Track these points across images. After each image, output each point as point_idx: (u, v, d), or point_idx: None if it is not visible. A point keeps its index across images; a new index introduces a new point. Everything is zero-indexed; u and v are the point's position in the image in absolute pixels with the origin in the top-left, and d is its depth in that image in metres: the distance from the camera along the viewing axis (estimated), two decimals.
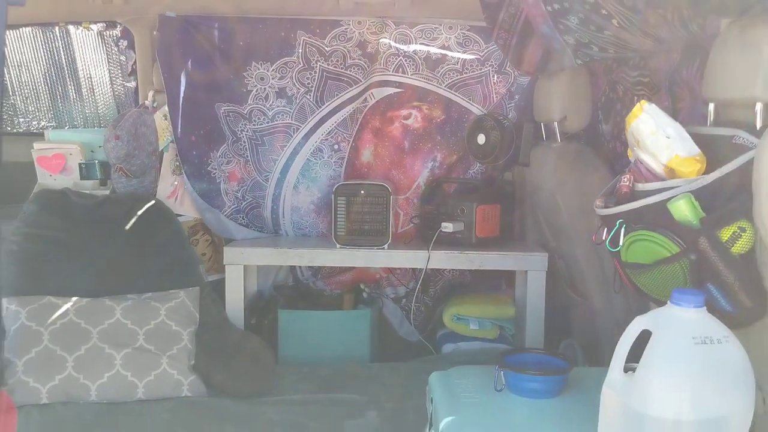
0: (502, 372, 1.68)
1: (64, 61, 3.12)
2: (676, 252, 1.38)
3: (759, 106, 1.41)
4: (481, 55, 3.00)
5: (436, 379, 1.81)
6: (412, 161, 3.12)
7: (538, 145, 2.76)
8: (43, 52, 3.08)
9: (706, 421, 1.21)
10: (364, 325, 3.01)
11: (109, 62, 3.14)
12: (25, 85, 3.12)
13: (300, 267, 3.23)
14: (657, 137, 1.41)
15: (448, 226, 2.84)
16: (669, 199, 1.37)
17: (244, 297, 2.92)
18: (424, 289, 3.22)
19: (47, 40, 3.05)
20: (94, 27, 3.06)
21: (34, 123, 3.26)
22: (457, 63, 3.03)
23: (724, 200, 1.34)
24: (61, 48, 3.10)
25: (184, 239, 2.89)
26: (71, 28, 3.07)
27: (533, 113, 2.81)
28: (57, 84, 3.14)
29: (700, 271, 1.35)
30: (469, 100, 3.05)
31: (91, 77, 3.16)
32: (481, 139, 2.87)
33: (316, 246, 2.97)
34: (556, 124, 2.58)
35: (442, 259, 2.88)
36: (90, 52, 3.12)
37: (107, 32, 3.09)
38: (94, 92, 3.18)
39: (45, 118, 3.26)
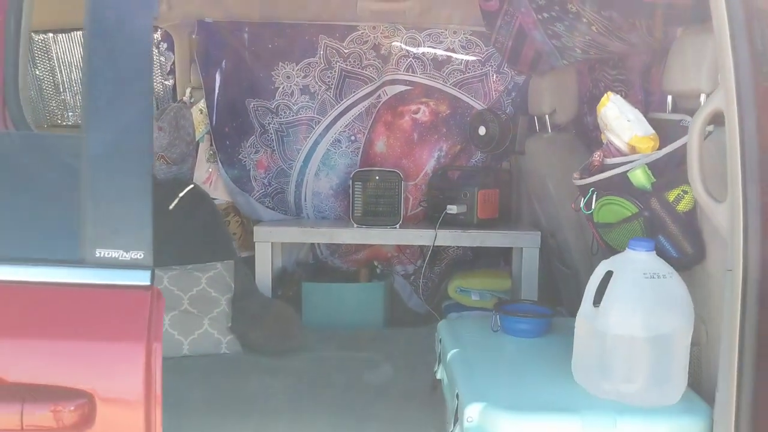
0: (498, 316, 2.05)
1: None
2: (635, 212, 1.74)
3: (703, 97, 1.77)
4: (482, 56, 3.37)
5: (443, 325, 2.18)
6: (420, 151, 3.48)
7: (532, 135, 3.11)
8: None
9: (654, 338, 1.58)
10: (377, 296, 3.36)
11: None
12: (75, 83, 3.47)
13: (319, 246, 3.59)
14: (620, 121, 1.78)
15: (452, 209, 3.19)
16: (629, 169, 1.74)
17: (271, 271, 3.28)
18: (430, 266, 3.57)
19: None
20: None
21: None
22: (461, 63, 3.40)
23: (671, 169, 1.70)
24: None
25: (220, 219, 3.25)
26: None
27: (528, 107, 3.17)
28: None
29: (653, 225, 1.71)
30: (472, 96, 3.41)
31: None
32: (481, 130, 3.23)
33: (335, 226, 3.34)
34: (547, 116, 2.94)
35: (447, 238, 3.23)
36: None
37: None
38: None
39: None
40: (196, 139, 3.41)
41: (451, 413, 1.77)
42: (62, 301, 1.11)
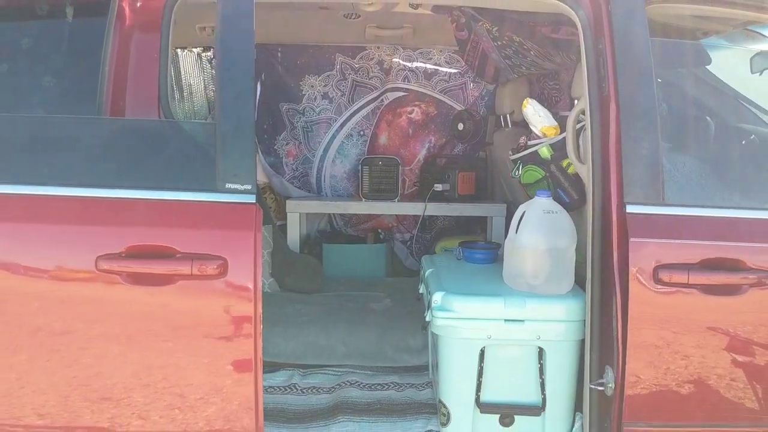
0: (460, 249, 3.01)
1: (172, 73, 4.39)
2: (543, 174, 2.69)
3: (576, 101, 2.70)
4: (462, 69, 4.32)
5: (425, 257, 3.14)
6: (414, 143, 4.43)
7: (498, 130, 4.05)
8: None
9: (550, 249, 2.50)
10: (380, 255, 4.31)
11: (203, 75, 4.44)
12: None
13: (335, 218, 4.53)
14: (535, 116, 2.73)
15: (438, 187, 4.12)
16: (538, 147, 2.69)
17: (299, 235, 4.23)
18: (422, 233, 4.51)
19: None
20: (195, 50, 4.34)
21: None
22: (445, 75, 4.35)
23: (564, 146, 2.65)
24: (170, 65, 4.37)
25: (260, 195, 4.21)
26: (179, 51, 4.35)
27: (495, 109, 4.11)
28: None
29: (554, 183, 2.66)
30: (454, 100, 4.36)
31: (191, 85, 4.44)
32: (460, 126, 4.18)
33: (348, 200, 4.29)
34: (508, 115, 3.86)
35: (435, 209, 4.16)
36: (190, 68, 4.40)
37: (204, 54, 4.39)
38: (192, 96, 4.46)
39: None
40: None
41: (426, 306, 2.71)
42: (211, 211, 2.05)
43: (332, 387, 2.97)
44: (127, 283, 2.00)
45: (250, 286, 2.03)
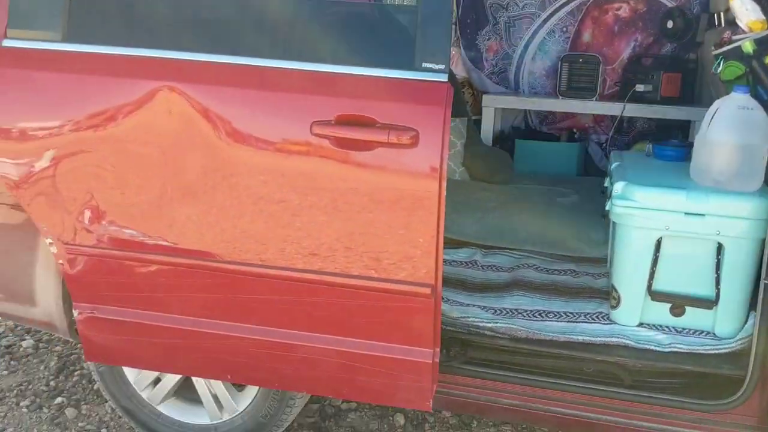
0: (650, 144, 3.01)
1: None
2: (744, 71, 2.61)
3: None
4: None
5: (614, 153, 3.18)
6: (619, 41, 4.34)
7: (711, 29, 3.85)
8: None
9: (741, 145, 2.44)
10: (573, 153, 4.36)
11: None
12: None
13: (531, 115, 4.62)
14: (741, 9, 2.62)
15: (640, 87, 4.05)
16: (742, 42, 2.59)
17: (493, 130, 4.39)
18: (619, 135, 4.47)
19: None
20: None
21: None
22: None
23: None
24: None
25: (459, 88, 4.40)
26: None
27: (709, 6, 3.90)
28: None
29: (754, 79, 2.57)
30: None
31: None
32: (669, 24, 4.03)
33: (545, 97, 4.36)
34: (722, 13, 3.66)
35: (634, 110, 4.09)
36: None
37: None
38: None
39: None
40: None
41: (608, 197, 2.79)
42: (407, 87, 2.28)
43: (511, 267, 3.17)
44: (336, 148, 2.30)
45: (438, 158, 2.25)
